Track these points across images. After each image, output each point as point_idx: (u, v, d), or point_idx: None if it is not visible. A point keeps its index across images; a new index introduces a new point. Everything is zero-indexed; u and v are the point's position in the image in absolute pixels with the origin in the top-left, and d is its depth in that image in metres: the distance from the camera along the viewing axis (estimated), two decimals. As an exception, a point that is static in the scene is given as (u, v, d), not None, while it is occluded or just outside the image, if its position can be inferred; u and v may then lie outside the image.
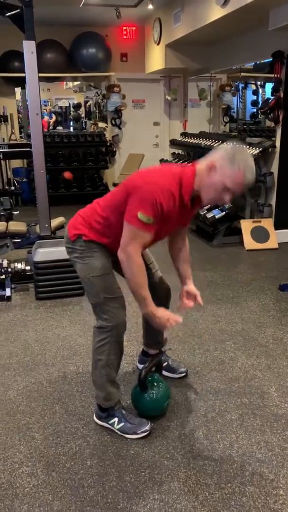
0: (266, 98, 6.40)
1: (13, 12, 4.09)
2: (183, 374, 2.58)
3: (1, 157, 3.91)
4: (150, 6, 5.73)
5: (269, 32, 4.46)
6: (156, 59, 6.90)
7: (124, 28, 7.44)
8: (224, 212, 5.05)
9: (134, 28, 7.49)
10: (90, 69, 7.26)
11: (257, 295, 3.74)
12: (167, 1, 5.96)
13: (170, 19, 6.03)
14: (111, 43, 7.36)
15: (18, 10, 3.94)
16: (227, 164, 1.79)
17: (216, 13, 4.63)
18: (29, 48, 3.56)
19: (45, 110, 12.27)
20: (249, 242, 4.97)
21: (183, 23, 5.61)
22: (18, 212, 6.14)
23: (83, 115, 10.44)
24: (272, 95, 4.93)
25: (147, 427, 2.11)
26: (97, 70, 7.34)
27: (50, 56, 7.15)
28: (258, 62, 6.27)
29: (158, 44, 6.65)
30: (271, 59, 4.74)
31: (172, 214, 1.89)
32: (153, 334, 2.52)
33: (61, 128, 11.50)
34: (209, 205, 5.30)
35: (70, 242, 2.06)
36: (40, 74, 7.18)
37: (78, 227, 2.04)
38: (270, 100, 4.86)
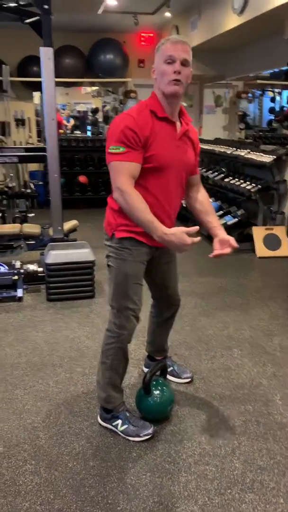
0: (281, 106, 6.40)
1: (33, 19, 4.18)
2: (189, 380, 2.59)
3: (17, 161, 3.97)
4: (168, 14, 5.80)
5: (285, 41, 4.47)
6: (173, 65, 6.95)
7: (142, 34, 7.54)
8: (236, 219, 5.06)
9: (151, 35, 7.57)
10: (107, 74, 7.36)
11: (266, 302, 3.74)
12: (184, 8, 6.01)
13: (187, 26, 6.08)
14: (128, 49, 7.45)
15: (38, 18, 4.02)
16: (156, 54, 1.89)
17: (233, 21, 4.66)
18: (46, 55, 3.63)
19: (63, 115, 12.42)
20: (260, 249, 4.96)
21: (200, 31, 5.66)
22: (33, 214, 6.22)
23: (100, 120, 10.53)
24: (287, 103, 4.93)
25: (150, 431, 2.13)
26: (114, 76, 7.43)
27: (69, 62, 7.29)
28: (276, 70, 6.29)
29: (175, 51, 6.70)
30: (287, 68, 4.74)
31: (157, 135, 1.85)
32: (159, 344, 2.55)
33: (79, 132, 11.62)
34: (221, 211, 5.30)
35: (107, 238, 2.05)
36: (58, 79, 7.33)
37: (110, 221, 2.02)
38: (285, 109, 4.85)
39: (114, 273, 2.04)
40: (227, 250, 2.02)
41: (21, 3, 4.04)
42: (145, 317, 2.60)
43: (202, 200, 2.21)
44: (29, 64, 6.98)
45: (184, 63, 1.84)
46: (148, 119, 1.86)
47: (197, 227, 1.85)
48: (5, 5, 4.14)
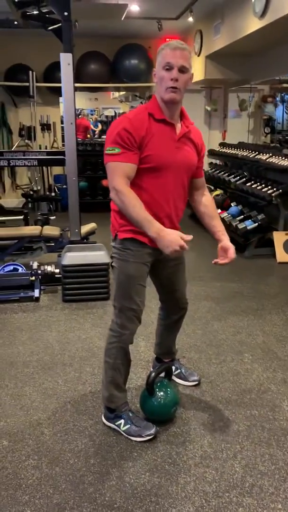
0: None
1: (55, 26, 4.29)
2: (196, 383, 2.59)
3: (36, 164, 4.07)
4: (191, 19, 5.82)
5: (307, 43, 4.42)
6: (196, 70, 6.96)
7: (167, 39, 7.56)
8: (257, 224, 5.01)
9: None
10: (131, 79, 7.43)
11: (282, 308, 3.68)
12: (208, 13, 6.02)
13: (211, 31, 6.09)
14: (154, 54, 7.49)
15: (60, 24, 4.11)
16: (157, 59, 1.91)
17: (254, 24, 4.64)
18: (66, 60, 3.71)
19: (91, 119, 12.60)
20: (281, 255, 4.89)
21: (223, 35, 5.65)
22: (54, 217, 6.34)
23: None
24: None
25: (152, 431, 2.14)
26: (139, 81, 7.49)
27: (94, 67, 7.40)
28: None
29: (198, 55, 6.72)
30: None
31: (153, 136, 1.88)
32: (167, 346, 2.56)
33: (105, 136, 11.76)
34: (241, 216, 5.26)
35: (112, 240, 2.09)
36: (84, 85, 7.45)
37: (113, 223, 2.07)
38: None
39: (117, 274, 2.07)
40: (226, 261, 2.09)
41: (43, 10, 4.14)
42: (154, 320, 2.62)
43: (207, 203, 2.22)
44: (55, 70, 7.11)
45: (182, 69, 1.86)
46: (145, 120, 1.90)
47: (191, 236, 1.86)
48: (28, 13, 4.27)
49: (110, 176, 1.88)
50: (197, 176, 2.17)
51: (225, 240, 2.12)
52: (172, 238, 1.81)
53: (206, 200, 2.23)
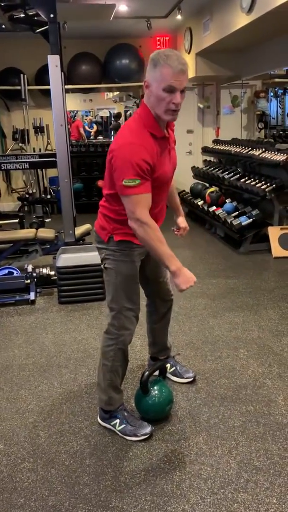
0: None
1: (43, 28, 4.29)
2: (191, 379, 2.59)
3: (28, 167, 4.07)
4: (179, 17, 5.82)
5: (296, 37, 4.41)
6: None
7: (158, 38, 7.57)
8: (251, 219, 5.01)
9: (167, 38, 7.60)
10: (123, 79, 7.43)
11: (278, 303, 3.68)
12: (196, 10, 6.02)
13: (200, 28, 6.08)
14: (145, 54, 7.50)
15: (47, 27, 4.10)
16: (152, 70, 1.80)
17: (242, 20, 4.64)
18: (53, 62, 3.71)
19: (85, 121, 12.60)
20: (276, 249, 4.89)
21: (212, 32, 5.65)
22: (50, 219, 6.35)
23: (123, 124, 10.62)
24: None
25: (147, 430, 2.14)
26: (131, 80, 7.49)
27: (85, 68, 7.40)
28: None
29: (189, 53, 6.71)
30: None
31: (160, 157, 1.89)
32: (161, 342, 2.56)
33: (101, 137, 11.76)
34: (236, 212, 5.26)
35: (103, 242, 2.07)
36: (76, 86, 7.45)
37: (105, 226, 2.05)
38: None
39: (113, 275, 2.07)
40: (180, 234, 2.42)
41: (30, 13, 4.14)
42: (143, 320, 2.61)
43: (171, 184, 2.23)
44: (46, 73, 7.09)
45: (182, 90, 1.82)
46: (153, 144, 1.85)
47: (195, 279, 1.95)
48: (16, 16, 4.27)
49: (132, 208, 1.83)
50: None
51: (182, 215, 2.44)
52: (190, 276, 1.89)
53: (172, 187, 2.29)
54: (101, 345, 2.18)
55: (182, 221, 2.40)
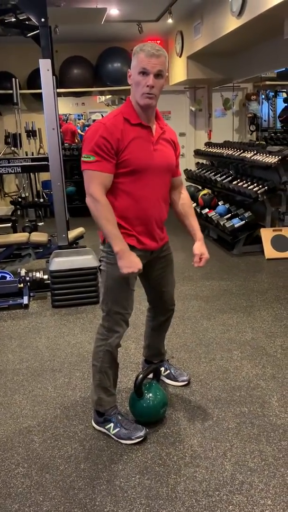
0: (285, 106, 6.36)
1: (34, 32, 4.29)
2: (185, 383, 2.59)
3: (20, 171, 4.06)
4: (170, 20, 5.84)
5: (285, 41, 4.45)
6: (179, 71, 6.99)
7: (149, 41, 7.60)
8: (244, 221, 5.03)
9: (158, 42, 7.63)
10: (115, 83, 7.45)
11: (271, 304, 3.70)
12: (187, 14, 6.05)
13: (191, 32, 6.12)
14: (136, 57, 7.52)
15: (38, 31, 4.11)
16: (132, 61, 1.91)
17: (233, 23, 4.67)
18: (45, 66, 3.72)
19: (78, 124, 12.60)
20: (269, 251, 4.91)
21: (203, 35, 5.68)
22: (43, 223, 6.32)
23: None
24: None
25: (142, 433, 2.14)
26: (122, 84, 7.50)
27: (77, 72, 7.42)
28: (284, 69, 6.26)
29: (180, 56, 6.75)
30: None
31: (130, 140, 1.89)
32: (156, 348, 2.56)
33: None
34: (229, 214, 5.28)
35: (101, 244, 2.09)
36: (68, 90, 7.45)
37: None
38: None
39: (105, 277, 2.08)
40: (201, 264, 2.19)
41: (21, 17, 4.14)
42: (144, 322, 2.62)
43: (183, 202, 2.24)
44: (38, 77, 7.10)
45: (158, 74, 1.87)
46: (120, 125, 1.90)
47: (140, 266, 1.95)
48: (6, 20, 4.27)
49: (87, 183, 1.90)
50: (174, 175, 2.19)
51: (197, 242, 2.19)
52: (135, 261, 1.92)
53: (183, 199, 2.25)
54: (94, 345, 2.18)
55: (197, 247, 2.17)
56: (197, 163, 7.31)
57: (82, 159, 1.90)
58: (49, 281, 3.91)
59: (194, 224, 2.22)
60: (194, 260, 2.19)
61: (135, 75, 1.89)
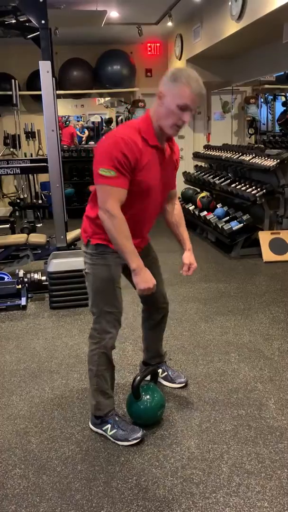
0: (284, 109, 6.38)
1: (34, 34, 4.30)
2: (183, 385, 2.59)
3: (19, 172, 4.07)
4: (170, 23, 5.86)
5: (284, 45, 4.47)
6: (178, 74, 7.01)
7: (149, 44, 7.63)
8: (242, 224, 5.04)
9: (158, 45, 7.66)
10: (114, 85, 7.47)
11: (269, 307, 3.71)
12: (187, 17, 6.08)
13: (190, 35, 6.14)
14: (136, 60, 7.55)
15: (39, 33, 4.12)
16: (171, 84, 1.80)
17: (232, 27, 4.69)
18: (44, 68, 3.73)
19: (77, 126, 12.61)
20: (267, 254, 4.92)
21: (202, 38, 5.70)
22: (41, 224, 6.34)
23: (114, 130, 10.62)
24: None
25: (139, 435, 2.14)
26: (121, 86, 7.53)
27: (77, 74, 7.43)
28: (283, 73, 6.29)
29: (179, 59, 6.77)
30: (288, 71, 4.74)
31: (146, 162, 1.87)
32: (154, 349, 2.56)
33: (93, 142, 11.77)
34: (227, 217, 5.30)
35: (84, 246, 2.09)
36: (67, 91, 7.46)
37: (86, 229, 2.07)
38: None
39: (92, 279, 2.07)
40: (188, 273, 2.24)
41: (21, 19, 4.15)
42: (140, 324, 2.62)
43: (176, 213, 2.30)
44: (38, 78, 7.11)
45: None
46: (139, 144, 1.85)
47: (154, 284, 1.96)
48: (6, 22, 4.28)
49: (103, 198, 1.84)
50: (171, 188, 2.22)
51: (187, 252, 2.24)
52: (150, 278, 1.92)
53: (176, 210, 2.29)
54: (88, 350, 2.18)
55: (186, 257, 2.22)
56: (196, 166, 7.32)
57: (100, 172, 1.80)
58: (47, 283, 3.91)
59: (184, 234, 2.27)
60: (183, 269, 2.23)
61: (172, 104, 1.80)
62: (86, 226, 2.07)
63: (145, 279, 1.90)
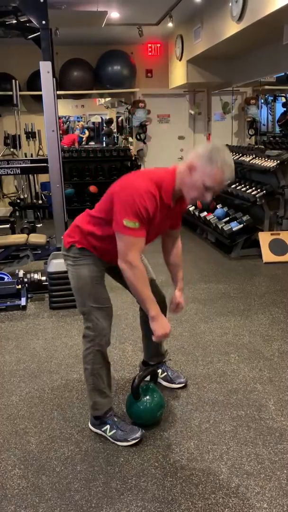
0: (284, 110, 6.38)
1: (35, 34, 4.30)
2: (182, 385, 2.60)
3: (19, 172, 4.07)
4: (170, 24, 5.87)
5: (284, 46, 4.47)
6: (178, 74, 7.02)
7: (149, 45, 7.63)
8: (242, 225, 5.04)
9: (158, 45, 7.66)
10: (115, 85, 7.47)
11: (268, 308, 3.71)
12: (187, 18, 6.08)
13: (191, 36, 6.14)
14: (136, 60, 7.55)
15: (39, 33, 4.12)
16: (206, 163, 1.82)
17: (232, 28, 4.69)
18: (45, 68, 3.73)
19: (77, 126, 12.62)
20: (267, 255, 4.92)
21: (203, 39, 5.71)
22: (41, 225, 6.33)
23: (115, 130, 10.64)
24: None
25: (138, 435, 2.14)
26: (122, 87, 7.53)
27: (77, 74, 7.42)
28: (283, 74, 6.29)
29: (180, 60, 6.77)
30: (288, 72, 4.74)
31: (157, 214, 1.93)
32: (153, 348, 2.56)
33: (93, 143, 11.77)
34: (227, 218, 5.31)
35: (64, 249, 2.13)
36: (68, 92, 7.47)
37: (72, 235, 2.10)
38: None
39: (76, 279, 2.10)
40: (176, 313, 2.35)
41: (22, 19, 4.15)
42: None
43: (176, 254, 2.34)
44: (38, 78, 7.11)
45: None
46: (158, 199, 1.90)
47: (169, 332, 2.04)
48: (7, 22, 4.28)
49: (126, 249, 1.89)
50: (174, 227, 2.24)
51: (177, 291, 2.31)
52: (166, 324, 2.00)
53: (176, 249, 2.33)
54: (82, 349, 2.18)
55: (178, 296, 2.30)
56: (196, 166, 7.33)
57: (125, 224, 1.84)
58: (47, 283, 3.91)
59: (179, 275, 2.34)
60: (171, 306, 2.31)
61: (200, 182, 1.84)
62: (73, 233, 2.10)
63: (162, 326, 1.98)
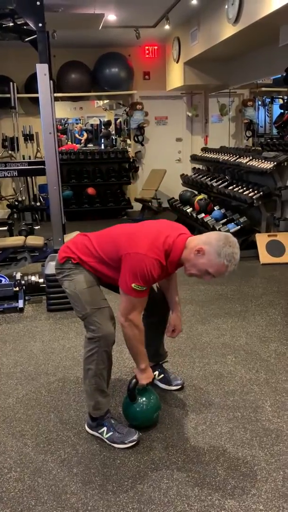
0: (280, 112, 6.41)
1: (31, 37, 4.31)
2: (179, 387, 2.60)
3: (17, 174, 4.07)
4: (167, 26, 5.88)
5: (281, 48, 4.49)
6: (176, 76, 7.04)
7: (147, 47, 7.65)
8: (239, 226, 5.05)
9: (156, 47, 7.68)
10: (112, 88, 7.49)
11: (265, 309, 3.71)
12: (184, 21, 6.10)
13: (188, 38, 6.16)
14: (134, 62, 7.57)
15: (36, 36, 4.12)
16: (215, 254, 1.94)
17: (229, 30, 4.71)
18: (42, 71, 3.73)
19: (76, 128, 12.63)
20: (264, 256, 4.93)
21: (200, 41, 5.73)
22: (39, 227, 6.34)
23: (113, 132, 10.67)
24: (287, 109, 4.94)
25: (135, 437, 2.14)
26: (120, 89, 7.55)
27: (75, 77, 7.44)
28: (279, 76, 6.31)
29: (177, 62, 6.79)
30: (284, 74, 4.76)
31: (161, 277, 2.10)
32: (153, 348, 2.56)
33: (92, 145, 11.78)
34: (224, 219, 5.32)
35: (58, 264, 2.19)
36: (65, 94, 7.49)
37: (68, 252, 2.17)
38: (284, 114, 4.86)
39: (73, 287, 2.14)
40: (174, 336, 2.46)
41: (19, 22, 4.16)
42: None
43: (172, 287, 2.41)
44: (36, 81, 7.13)
45: None
46: (164, 268, 2.04)
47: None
48: (4, 25, 4.28)
49: (129, 308, 2.03)
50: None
51: (174, 314, 2.42)
52: (151, 373, 2.22)
53: (173, 285, 2.41)
54: (84, 350, 2.18)
55: (175, 319, 2.41)
56: (194, 168, 7.34)
57: (134, 287, 1.98)
58: (44, 285, 3.91)
59: (176, 299, 2.42)
60: (168, 329, 2.43)
61: (204, 268, 1.98)
62: (77, 252, 2.14)
63: (148, 376, 2.18)
